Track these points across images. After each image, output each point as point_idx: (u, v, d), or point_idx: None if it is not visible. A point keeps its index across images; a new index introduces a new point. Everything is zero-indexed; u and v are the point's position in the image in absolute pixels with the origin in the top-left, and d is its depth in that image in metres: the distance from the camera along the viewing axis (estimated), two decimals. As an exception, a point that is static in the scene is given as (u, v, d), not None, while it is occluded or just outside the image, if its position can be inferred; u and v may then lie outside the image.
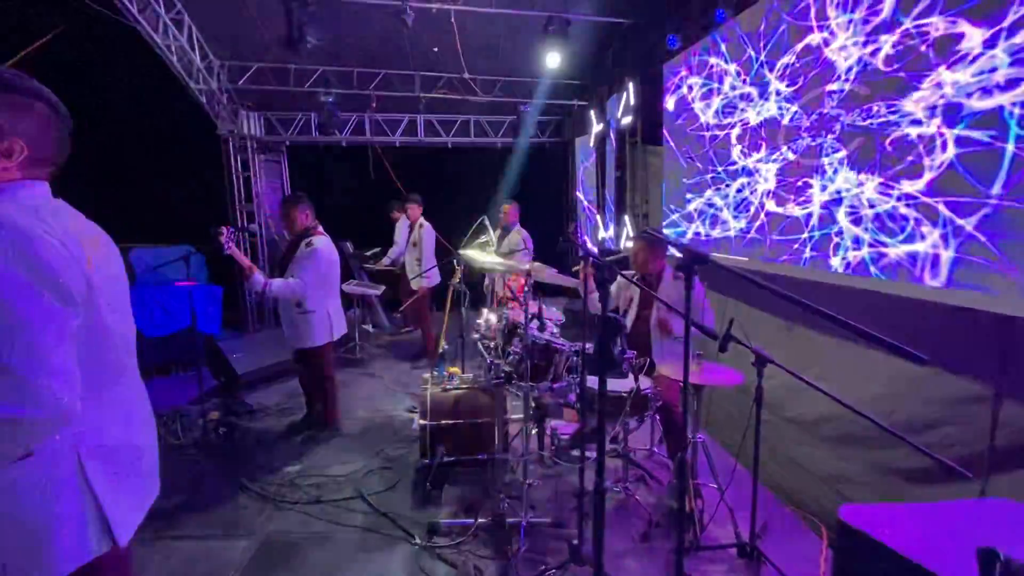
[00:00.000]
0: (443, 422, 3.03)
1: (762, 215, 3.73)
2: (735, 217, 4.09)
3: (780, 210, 3.55)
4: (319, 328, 3.47)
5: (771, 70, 3.69)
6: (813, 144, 3.23)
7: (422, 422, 3.01)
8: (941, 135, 2.42)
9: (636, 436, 3.26)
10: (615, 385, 2.70)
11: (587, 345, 2.73)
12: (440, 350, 4.14)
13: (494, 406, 3.04)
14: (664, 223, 5.61)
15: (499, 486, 2.67)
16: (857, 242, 2.92)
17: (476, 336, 3.30)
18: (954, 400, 2.32)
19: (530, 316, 2.58)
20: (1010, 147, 2.12)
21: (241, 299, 7.89)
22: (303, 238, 3.40)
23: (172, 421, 3.79)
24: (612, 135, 7.14)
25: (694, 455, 2.67)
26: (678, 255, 1.43)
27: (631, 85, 6.30)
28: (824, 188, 3.14)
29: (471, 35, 6.10)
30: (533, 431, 2.75)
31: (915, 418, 2.45)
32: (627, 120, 6.51)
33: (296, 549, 2.54)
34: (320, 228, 3.50)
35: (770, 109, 3.67)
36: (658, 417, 3.03)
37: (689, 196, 5.01)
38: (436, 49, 6.37)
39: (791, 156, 3.44)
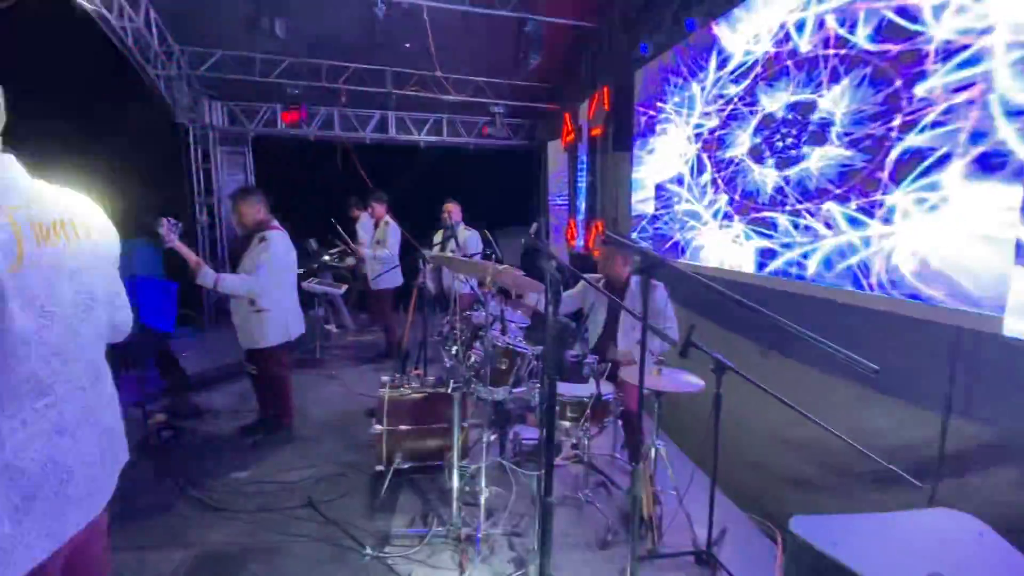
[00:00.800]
0: (401, 427, 2.94)
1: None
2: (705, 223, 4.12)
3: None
4: (273, 327, 3.33)
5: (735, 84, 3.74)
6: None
7: (379, 427, 2.91)
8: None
9: (598, 442, 3.23)
10: (576, 390, 2.67)
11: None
12: (404, 352, 4.03)
13: (454, 411, 2.95)
14: (635, 231, 5.64)
15: (456, 494, 2.59)
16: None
17: (438, 339, 3.21)
18: (905, 411, 2.36)
19: (492, 319, 2.51)
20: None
21: (203, 296, 7.58)
22: (256, 233, 3.25)
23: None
24: (584, 140, 7.16)
25: (654, 463, 2.65)
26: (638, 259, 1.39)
27: (603, 90, 6.33)
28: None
29: (444, 33, 6.02)
30: (492, 437, 2.68)
31: (869, 426, 2.49)
32: (599, 126, 6.53)
33: (236, 562, 2.40)
34: (275, 223, 3.36)
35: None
36: (620, 423, 3.01)
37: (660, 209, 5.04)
38: (408, 45, 6.25)
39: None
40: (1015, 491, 1.98)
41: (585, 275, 3.29)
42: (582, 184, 7.44)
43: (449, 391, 2.49)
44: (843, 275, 2.76)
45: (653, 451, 2.59)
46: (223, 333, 5.82)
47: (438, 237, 4.52)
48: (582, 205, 7.44)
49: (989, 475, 2.11)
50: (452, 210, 4.83)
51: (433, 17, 5.53)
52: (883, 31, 2.52)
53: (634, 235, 5.44)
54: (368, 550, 2.46)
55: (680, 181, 4.56)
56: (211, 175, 7.74)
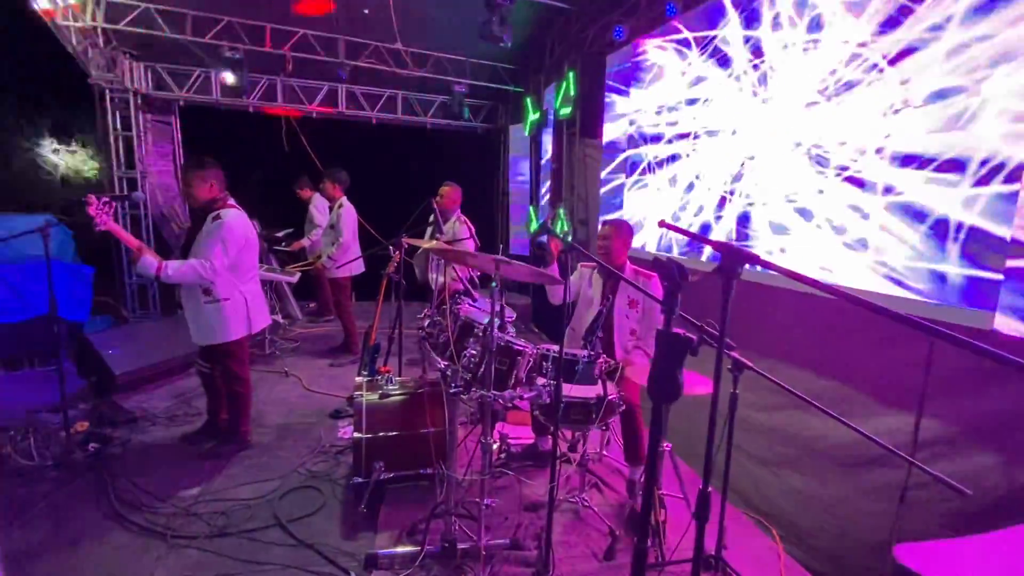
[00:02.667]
0: (381, 434, 2.63)
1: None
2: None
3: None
4: (233, 319, 2.90)
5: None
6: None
7: (357, 435, 2.59)
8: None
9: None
10: (581, 392, 2.47)
11: (551, 348, 2.48)
12: (372, 347, 3.68)
13: (442, 413, 2.69)
14: (601, 218, 5.51)
15: (448, 505, 2.34)
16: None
17: (421, 334, 2.91)
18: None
19: (491, 312, 2.26)
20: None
21: (118, 281, 6.75)
22: (209, 211, 2.80)
23: (22, 435, 3.00)
24: (549, 125, 6.95)
25: (659, 465, 2.51)
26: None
27: (571, 75, 6.13)
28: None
29: (405, 1, 5.57)
30: (495, 444, 2.44)
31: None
32: (566, 111, 6.33)
33: (195, 602, 2.04)
34: (231, 200, 2.91)
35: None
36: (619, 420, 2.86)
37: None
38: (366, 11, 5.75)
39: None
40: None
41: (587, 264, 3.13)
42: (545, 171, 7.25)
43: (450, 395, 2.21)
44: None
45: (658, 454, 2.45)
46: (149, 325, 5.17)
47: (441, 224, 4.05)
48: (544, 191, 7.25)
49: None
50: (449, 193, 4.28)
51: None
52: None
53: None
54: (353, 575, 2.17)
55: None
56: (132, 145, 6.85)
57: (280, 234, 6.17)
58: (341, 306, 5.09)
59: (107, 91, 6.56)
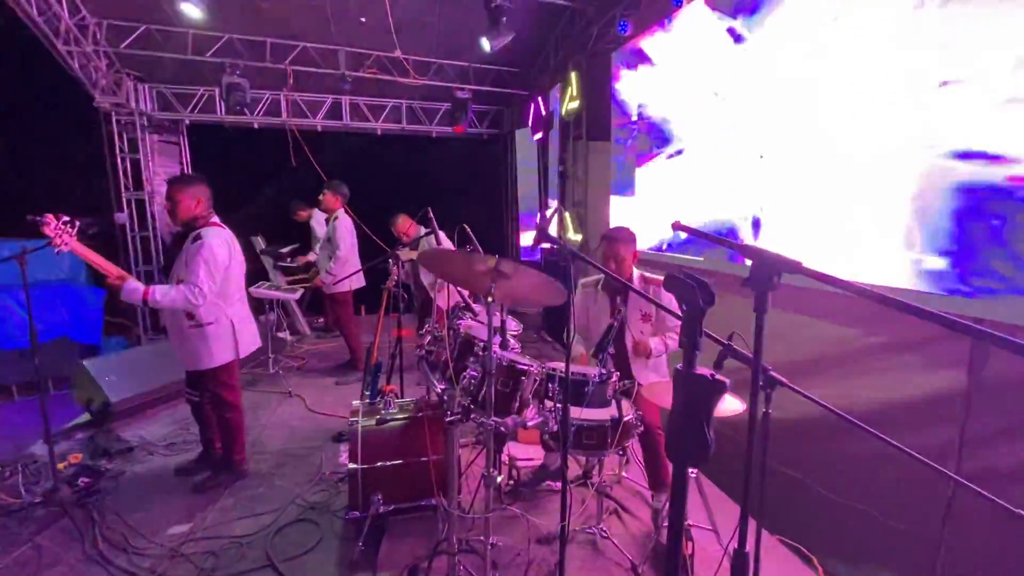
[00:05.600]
0: (379, 464, 2.44)
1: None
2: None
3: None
4: (218, 344, 2.74)
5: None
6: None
7: (353, 466, 2.40)
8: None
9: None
10: (590, 414, 2.25)
11: (559, 367, 2.26)
12: (374, 365, 3.51)
13: (444, 440, 2.48)
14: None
15: (450, 544, 2.13)
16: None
17: (420, 354, 2.72)
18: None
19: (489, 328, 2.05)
20: None
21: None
22: (191, 230, 2.65)
23: (10, 470, 2.87)
24: (555, 127, 6.76)
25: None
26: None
27: (575, 75, 5.93)
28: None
29: (403, 9, 5.45)
30: (498, 478, 2.23)
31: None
32: (571, 112, 6.14)
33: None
34: (215, 218, 2.76)
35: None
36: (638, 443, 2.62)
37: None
38: (363, 20, 5.64)
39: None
40: None
41: (588, 280, 2.91)
42: (552, 174, 7.05)
43: (447, 423, 2.01)
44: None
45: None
46: (158, 347, 5.07)
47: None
48: (554, 196, 7.05)
49: None
50: (406, 222, 4.27)
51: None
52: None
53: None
54: (347, 625, 1.97)
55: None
56: (139, 166, 6.85)
57: (285, 250, 6.07)
58: (341, 322, 4.92)
59: (112, 114, 6.58)
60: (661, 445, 2.54)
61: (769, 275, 0.93)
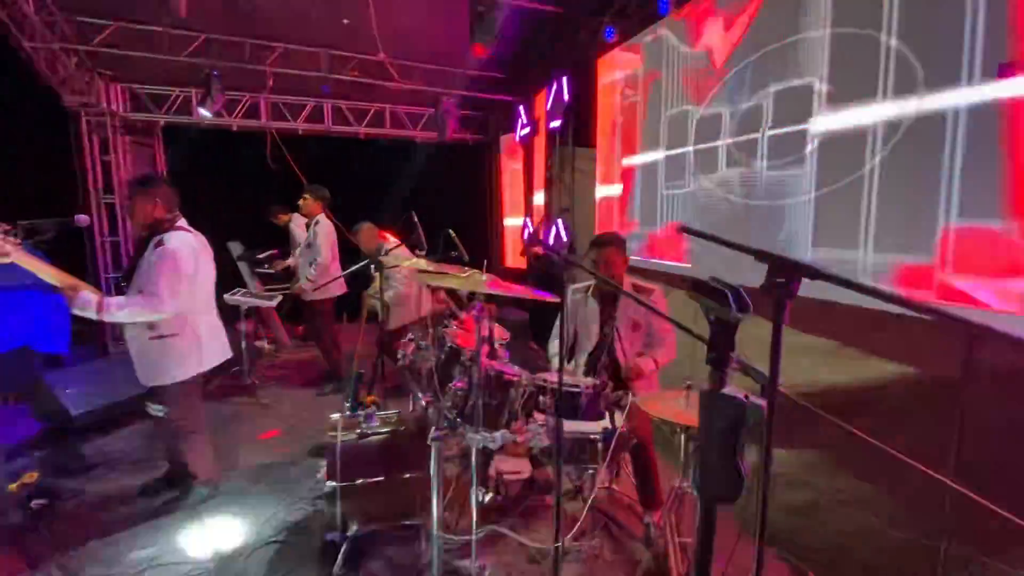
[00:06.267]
0: (359, 481, 2.30)
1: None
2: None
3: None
4: (180, 358, 2.56)
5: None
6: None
7: (331, 484, 2.26)
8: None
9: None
10: (585, 426, 2.15)
11: (550, 377, 2.15)
12: (354, 375, 3.36)
13: (428, 453, 2.35)
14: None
15: (436, 564, 2.01)
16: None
17: (402, 362, 2.60)
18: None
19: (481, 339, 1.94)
20: None
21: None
22: (153, 235, 2.49)
23: (-42, 492, 2.66)
24: (541, 134, 6.70)
25: (679, 506, 2.18)
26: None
27: (561, 80, 5.89)
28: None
29: (388, 12, 5.34)
30: (485, 496, 2.11)
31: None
32: (557, 118, 6.09)
33: None
34: (181, 221, 2.60)
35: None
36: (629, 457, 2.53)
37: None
38: (347, 21, 5.52)
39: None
40: None
41: (579, 286, 2.81)
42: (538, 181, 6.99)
43: (429, 441, 1.89)
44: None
45: (674, 495, 2.12)
46: (116, 357, 4.86)
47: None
48: (539, 202, 6.98)
49: None
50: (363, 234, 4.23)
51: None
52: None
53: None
54: (323, 659, 1.83)
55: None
56: (111, 169, 6.60)
57: (262, 255, 5.87)
58: (319, 332, 4.73)
59: (82, 114, 6.33)
60: (653, 458, 2.45)
61: (788, 281, 0.85)
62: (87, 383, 3.61)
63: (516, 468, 3.07)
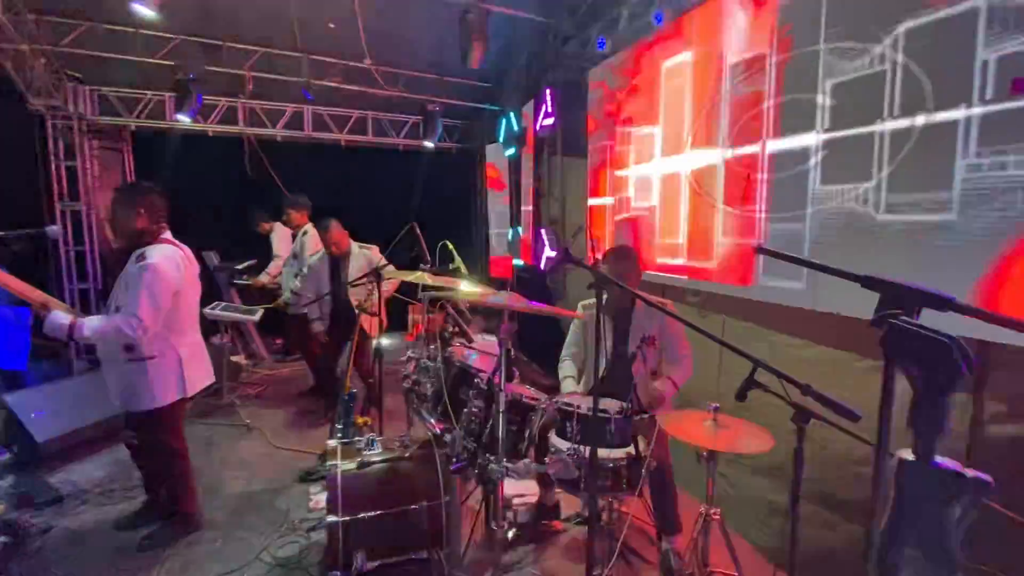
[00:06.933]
0: (362, 515, 2.14)
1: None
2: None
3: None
4: (161, 381, 2.36)
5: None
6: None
7: (332, 518, 2.09)
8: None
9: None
10: (609, 453, 2.04)
11: (574, 401, 2.04)
12: (345, 395, 3.18)
13: (435, 481, 2.21)
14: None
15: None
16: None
17: (404, 385, 2.45)
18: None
19: (499, 359, 1.82)
20: None
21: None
22: (135, 248, 2.29)
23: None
24: (529, 144, 6.64)
25: (704, 535, 2.09)
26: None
27: (550, 91, 5.85)
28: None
29: (373, 16, 5.21)
30: (509, 534, 1.98)
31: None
32: (545, 129, 6.04)
33: None
34: (166, 234, 2.41)
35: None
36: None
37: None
38: (332, 25, 5.36)
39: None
40: None
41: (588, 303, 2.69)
42: (525, 190, 6.92)
43: (452, 471, 1.75)
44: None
45: (701, 521, 2.03)
46: (94, 376, 4.54)
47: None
48: (527, 213, 6.90)
49: None
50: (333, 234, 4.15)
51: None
52: None
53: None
54: None
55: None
56: (76, 175, 6.25)
57: (240, 266, 5.63)
58: (306, 348, 4.53)
59: (47, 117, 5.99)
60: (672, 482, 2.36)
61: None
62: (53, 405, 3.34)
63: (523, 491, 2.94)
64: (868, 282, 0.81)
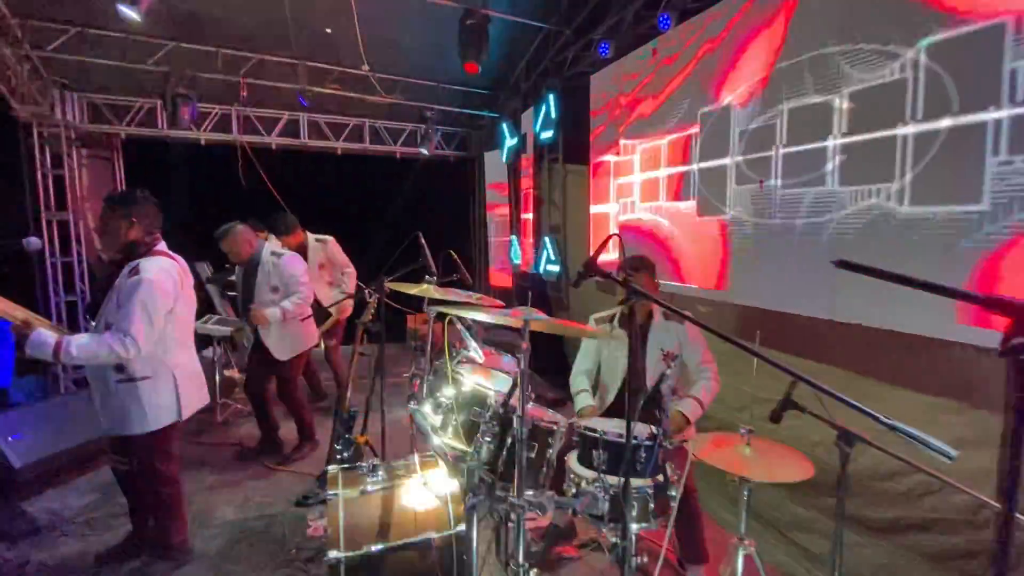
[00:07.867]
0: (366, 548, 1.97)
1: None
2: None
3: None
4: (155, 404, 2.20)
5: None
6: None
7: (335, 554, 1.92)
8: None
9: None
10: (636, 482, 1.89)
11: (602, 426, 1.88)
12: (346, 414, 3.02)
13: (445, 511, 2.05)
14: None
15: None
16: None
17: (411, 407, 2.29)
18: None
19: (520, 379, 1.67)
20: None
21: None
22: (127, 261, 2.13)
23: None
24: (529, 151, 6.53)
25: (735, 564, 1.94)
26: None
27: (551, 97, 5.75)
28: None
29: (371, 24, 5.10)
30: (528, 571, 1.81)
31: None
32: (547, 136, 5.94)
33: None
34: (161, 245, 2.25)
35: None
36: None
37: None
38: (329, 31, 5.24)
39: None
40: None
41: (602, 315, 2.55)
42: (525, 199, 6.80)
43: (469, 507, 1.59)
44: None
45: (740, 553, 1.88)
46: (81, 396, 4.34)
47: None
48: (527, 221, 6.78)
49: None
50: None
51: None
52: None
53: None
54: None
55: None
56: (64, 184, 6.07)
57: (233, 277, 5.44)
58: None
59: (33, 125, 5.81)
60: (697, 507, 2.22)
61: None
62: (33, 428, 3.14)
63: (532, 514, 2.78)
64: (990, 303, 0.68)
